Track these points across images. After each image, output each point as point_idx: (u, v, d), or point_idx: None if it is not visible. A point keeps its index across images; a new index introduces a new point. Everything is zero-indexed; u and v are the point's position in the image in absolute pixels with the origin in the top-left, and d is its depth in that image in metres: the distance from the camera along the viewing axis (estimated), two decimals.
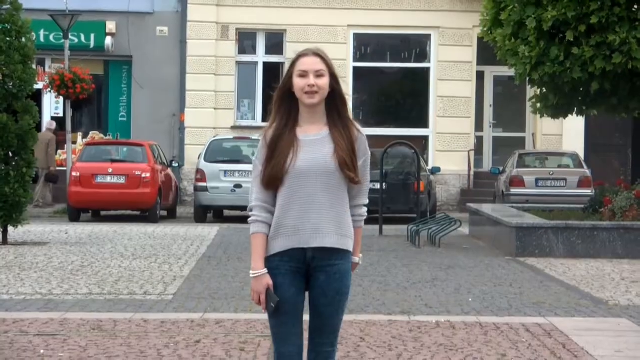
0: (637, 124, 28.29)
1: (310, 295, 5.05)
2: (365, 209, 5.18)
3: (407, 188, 22.46)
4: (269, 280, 4.96)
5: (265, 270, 4.97)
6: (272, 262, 5.00)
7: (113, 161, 24.00)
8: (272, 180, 4.97)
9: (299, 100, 5.03)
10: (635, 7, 17.08)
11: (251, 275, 5.01)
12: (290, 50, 26.86)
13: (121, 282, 12.49)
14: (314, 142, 5.00)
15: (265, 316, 5.08)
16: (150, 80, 28.85)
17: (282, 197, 4.99)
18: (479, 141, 29.79)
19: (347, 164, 4.96)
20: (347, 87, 28.23)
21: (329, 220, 4.98)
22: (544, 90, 18.63)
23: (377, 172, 20.39)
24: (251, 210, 5.04)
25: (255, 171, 5.04)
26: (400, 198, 22.49)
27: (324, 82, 5.01)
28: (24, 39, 16.99)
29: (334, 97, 5.06)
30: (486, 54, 26.62)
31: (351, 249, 5.09)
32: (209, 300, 11.09)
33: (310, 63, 5.02)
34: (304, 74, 4.99)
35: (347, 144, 4.99)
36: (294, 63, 5.05)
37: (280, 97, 5.05)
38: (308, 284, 5.05)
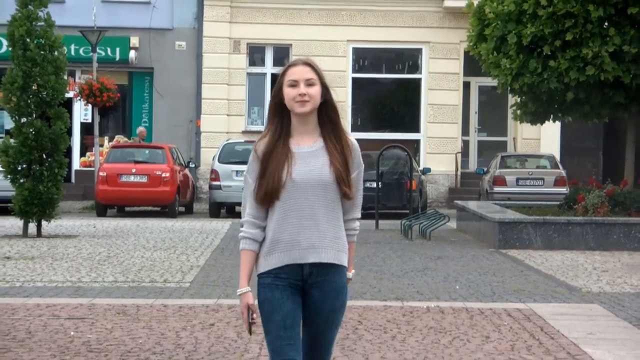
0: (607, 129, 28.28)
1: (304, 312, 4.43)
2: (358, 223, 4.57)
3: (400, 186, 22.42)
4: (249, 300, 4.38)
5: (247, 289, 4.40)
6: (269, 277, 4.39)
7: (136, 162, 23.99)
8: (269, 196, 4.35)
9: (290, 111, 4.43)
10: (606, 24, 17.08)
11: (237, 294, 4.44)
12: None
13: (143, 271, 12.49)
14: (309, 154, 4.39)
15: None
16: (169, 90, 28.86)
17: (277, 211, 4.36)
18: (465, 144, 29.78)
19: (342, 178, 4.38)
20: (347, 95, 28.43)
21: (325, 235, 4.38)
22: (524, 98, 18.63)
23: (374, 172, 20.45)
24: (242, 226, 4.45)
25: (246, 185, 4.44)
26: (395, 195, 22.46)
27: (315, 90, 4.39)
28: (56, 53, 17.01)
29: (326, 107, 4.44)
30: (472, 66, 26.64)
31: (346, 264, 4.49)
32: (222, 287, 11.09)
33: (300, 72, 4.40)
34: (294, 84, 4.38)
35: (342, 157, 4.40)
36: (284, 73, 4.45)
37: (272, 108, 4.45)
38: (303, 299, 4.45)
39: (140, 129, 27.04)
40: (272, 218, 4.38)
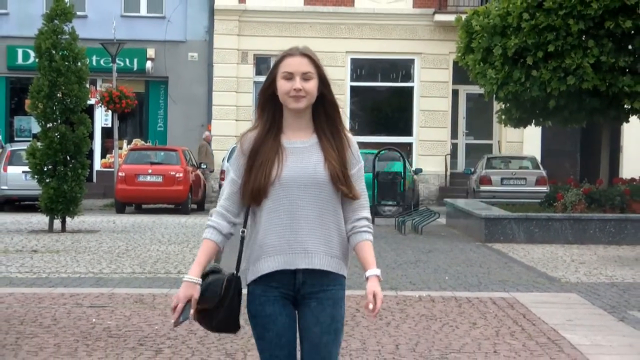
0: (584, 133, 28.25)
1: (301, 326, 3.66)
2: (368, 221, 3.73)
3: (394, 185, 22.44)
4: (195, 293, 3.62)
5: (197, 280, 3.63)
6: (259, 287, 3.64)
7: (152, 163, 24.01)
8: (256, 193, 3.59)
9: (283, 104, 3.67)
10: (584, 37, 17.07)
11: (183, 279, 3.66)
12: None
13: (159, 263, 12.50)
14: (301, 149, 3.63)
15: None
16: (183, 97, 28.87)
17: (265, 211, 3.60)
18: (454, 147, 29.77)
19: (338, 176, 3.60)
20: (345, 102, 28.37)
21: (318, 238, 3.59)
22: (508, 105, 18.62)
23: (370, 172, 20.46)
24: (211, 215, 3.72)
25: (227, 177, 3.70)
26: (389, 194, 22.46)
27: (312, 85, 3.64)
28: (79, 64, 17.02)
29: (323, 102, 3.69)
30: (460, 75, 26.61)
31: (344, 273, 3.75)
32: None
33: (297, 64, 3.67)
34: (289, 76, 3.64)
35: (338, 154, 3.63)
36: (278, 63, 3.71)
37: (263, 101, 3.71)
38: (299, 311, 3.68)
39: (207, 133, 27.31)
40: (260, 219, 3.62)
